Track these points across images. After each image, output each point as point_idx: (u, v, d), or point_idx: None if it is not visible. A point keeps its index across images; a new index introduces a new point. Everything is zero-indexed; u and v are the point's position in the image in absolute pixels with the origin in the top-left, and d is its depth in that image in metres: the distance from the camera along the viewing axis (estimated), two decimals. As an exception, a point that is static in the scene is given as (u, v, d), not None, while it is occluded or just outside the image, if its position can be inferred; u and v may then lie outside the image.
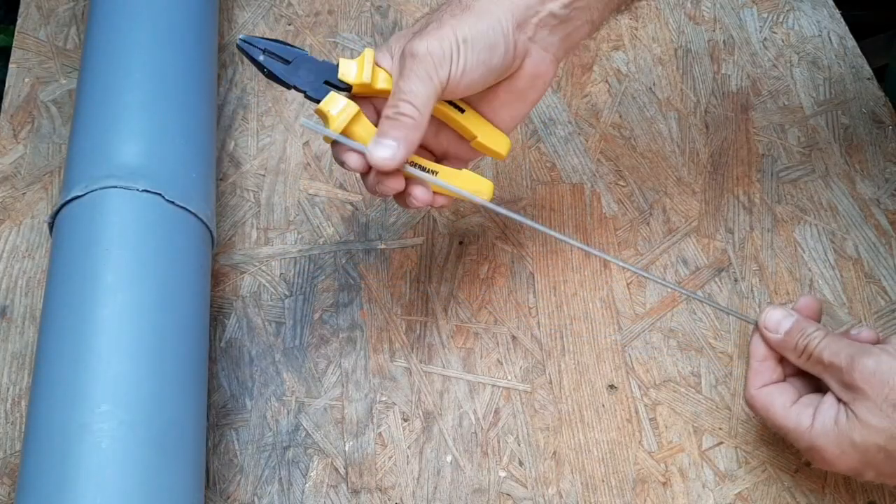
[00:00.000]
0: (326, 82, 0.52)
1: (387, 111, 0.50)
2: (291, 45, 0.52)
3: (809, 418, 0.48)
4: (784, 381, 0.52)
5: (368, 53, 0.52)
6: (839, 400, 0.48)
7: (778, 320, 0.51)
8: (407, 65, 0.50)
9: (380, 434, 0.58)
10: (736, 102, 0.74)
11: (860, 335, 0.51)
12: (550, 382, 0.60)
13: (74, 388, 0.48)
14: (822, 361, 0.49)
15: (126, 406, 0.48)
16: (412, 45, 0.50)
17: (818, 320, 0.52)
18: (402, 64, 0.50)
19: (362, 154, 0.50)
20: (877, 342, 0.50)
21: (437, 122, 0.54)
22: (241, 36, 0.51)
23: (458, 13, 0.50)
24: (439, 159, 0.56)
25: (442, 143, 0.56)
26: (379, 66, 0.52)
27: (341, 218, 0.67)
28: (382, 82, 0.52)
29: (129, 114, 0.59)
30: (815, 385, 0.51)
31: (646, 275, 0.61)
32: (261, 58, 0.51)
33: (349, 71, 0.52)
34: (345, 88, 0.52)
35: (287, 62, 0.52)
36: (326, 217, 0.67)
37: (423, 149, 0.55)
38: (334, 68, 0.52)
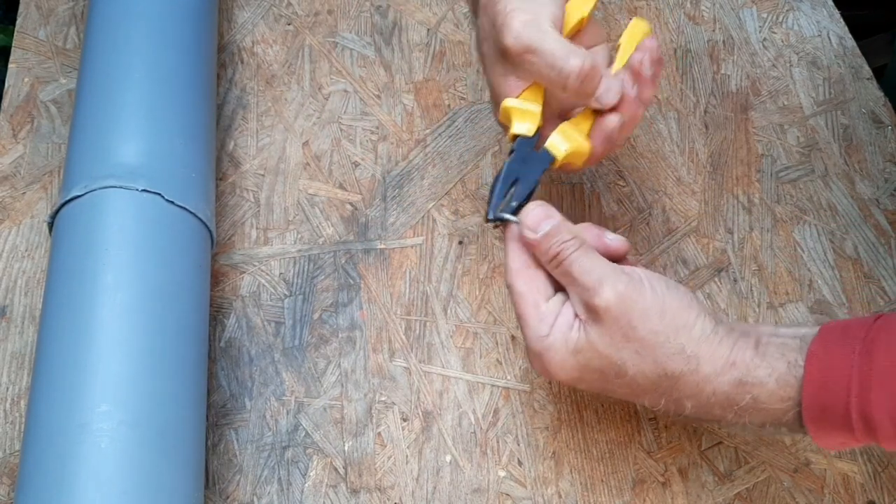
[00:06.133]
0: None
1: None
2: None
3: (548, 327, 0.48)
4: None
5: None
6: (576, 315, 0.48)
7: (538, 220, 0.50)
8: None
9: (379, 434, 0.58)
10: (735, 102, 0.74)
11: (611, 245, 0.50)
12: (550, 382, 0.60)
13: (74, 387, 0.48)
14: (571, 274, 0.48)
15: (126, 406, 0.48)
16: None
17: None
18: None
19: None
20: (625, 252, 0.50)
21: None
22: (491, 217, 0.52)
23: None
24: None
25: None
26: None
27: (341, 218, 0.67)
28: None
29: (128, 113, 0.59)
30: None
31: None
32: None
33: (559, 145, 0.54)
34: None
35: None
36: (326, 217, 0.67)
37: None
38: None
